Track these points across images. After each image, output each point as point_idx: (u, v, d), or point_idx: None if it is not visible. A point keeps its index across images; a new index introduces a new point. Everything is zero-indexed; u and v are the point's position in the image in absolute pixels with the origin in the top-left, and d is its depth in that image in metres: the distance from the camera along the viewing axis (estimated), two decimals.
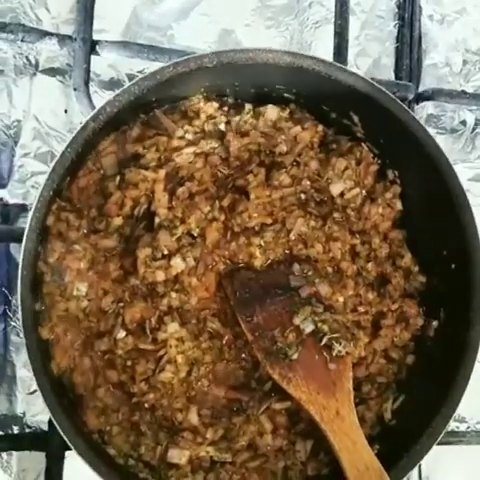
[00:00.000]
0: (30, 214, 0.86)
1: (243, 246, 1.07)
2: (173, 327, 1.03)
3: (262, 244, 1.08)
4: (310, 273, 1.08)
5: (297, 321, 1.04)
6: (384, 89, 0.99)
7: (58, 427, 0.84)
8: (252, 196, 1.07)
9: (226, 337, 1.08)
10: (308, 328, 1.04)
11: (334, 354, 1.03)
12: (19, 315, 1.15)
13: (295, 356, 1.03)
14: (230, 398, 1.07)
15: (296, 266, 1.08)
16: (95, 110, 0.89)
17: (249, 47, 0.95)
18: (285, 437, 1.07)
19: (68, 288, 1.00)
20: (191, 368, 1.05)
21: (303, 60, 0.97)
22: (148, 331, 1.03)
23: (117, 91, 0.91)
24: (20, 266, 0.84)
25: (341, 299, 1.11)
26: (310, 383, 1.01)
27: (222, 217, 1.06)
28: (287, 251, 1.10)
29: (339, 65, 0.99)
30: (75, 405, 0.99)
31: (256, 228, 1.08)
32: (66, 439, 0.85)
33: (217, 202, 1.06)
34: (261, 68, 0.99)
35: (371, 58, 1.38)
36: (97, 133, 0.90)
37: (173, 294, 1.05)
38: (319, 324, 1.04)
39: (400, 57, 1.37)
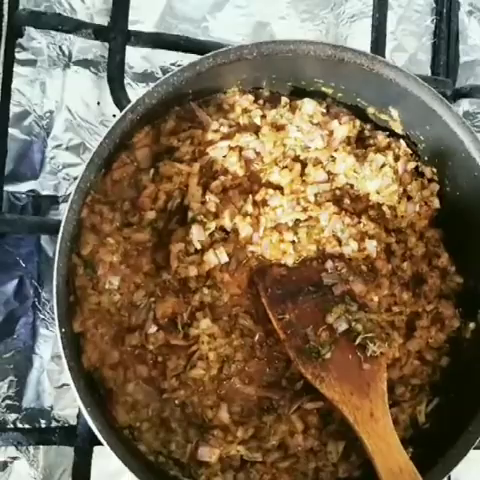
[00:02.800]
0: (67, 205, 0.85)
1: (276, 242, 1.05)
2: (205, 323, 1.02)
3: (295, 240, 1.06)
4: (344, 270, 1.06)
5: (330, 319, 1.02)
6: (426, 84, 0.97)
7: (90, 421, 0.83)
8: (286, 191, 1.05)
9: (257, 335, 1.06)
10: (341, 327, 1.02)
11: (368, 354, 1.00)
12: (48, 308, 1.16)
13: (328, 355, 1.01)
14: (261, 396, 1.06)
15: (329, 263, 1.06)
16: (133, 101, 0.87)
17: (290, 39, 0.93)
18: (316, 437, 1.05)
19: (100, 281, 0.99)
20: (222, 365, 1.04)
21: (344, 53, 0.95)
22: (180, 326, 1.02)
23: (156, 82, 0.89)
24: (56, 258, 0.83)
25: (376, 298, 1.08)
26: (343, 383, 0.99)
27: (255, 212, 1.04)
28: (320, 248, 1.07)
29: (381, 58, 0.97)
30: (105, 400, 0.98)
31: (289, 224, 1.05)
32: (98, 434, 0.83)
33: (250, 196, 1.04)
34: (300, 60, 0.97)
35: (407, 53, 1.36)
36: (135, 124, 0.88)
37: (205, 290, 1.03)
38: (353, 323, 1.02)
39: (437, 53, 1.35)
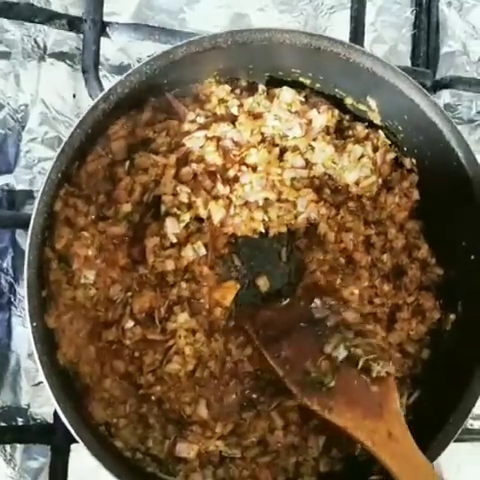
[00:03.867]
0: (38, 197, 0.83)
1: (246, 220, 1.05)
2: (183, 317, 1.00)
3: (265, 219, 1.05)
4: (333, 303, 1.05)
5: (328, 349, 1.00)
6: (404, 73, 0.96)
7: (64, 419, 0.81)
8: (260, 169, 1.04)
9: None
10: (341, 355, 0.99)
11: (374, 376, 0.97)
12: (25, 304, 1.14)
13: (332, 384, 0.97)
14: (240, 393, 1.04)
15: (317, 301, 1.05)
16: (105, 90, 0.86)
17: (265, 27, 0.92)
18: (297, 433, 1.04)
19: (75, 276, 0.97)
20: (199, 361, 1.02)
21: (321, 41, 0.94)
22: (157, 321, 1.00)
23: (128, 71, 0.87)
24: (27, 251, 0.81)
25: (356, 291, 1.08)
26: (354, 409, 0.95)
27: (226, 191, 1.03)
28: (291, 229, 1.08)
29: (358, 47, 0.96)
30: (81, 396, 0.97)
31: (260, 202, 1.05)
32: (72, 431, 0.82)
33: (218, 176, 1.03)
34: (277, 49, 0.96)
35: (387, 45, 1.35)
36: (107, 115, 0.87)
37: (183, 284, 1.02)
38: (352, 349, 0.99)
39: (417, 44, 1.34)
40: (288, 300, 1.07)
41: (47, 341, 0.86)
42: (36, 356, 0.80)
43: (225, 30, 1.17)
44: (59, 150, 0.84)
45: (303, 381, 0.98)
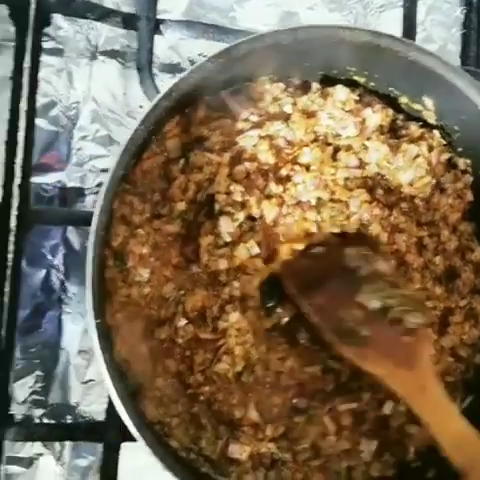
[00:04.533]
0: (100, 194, 0.83)
1: (299, 220, 1.03)
2: (234, 317, 1.00)
3: (319, 220, 1.04)
4: (366, 252, 1.03)
5: (361, 299, 0.98)
6: (465, 72, 0.94)
7: (124, 416, 0.81)
8: (313, 168, 1.03)
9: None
10: (374, 304, 0.97)
11: (407, 327, 0.96)
12: (74, 302, 1.15)
13: (366, 333, 0.96)
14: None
15: (350, 250, 1.03)
16: (168, 87, 0.86)
17: (327, 24, 0.91)
18: (349, 438, 1.02)
19: (130, 274, 0.97)
20: (247, 364, 1.01)
21: (381, 39, 0.93)
22: (209, 320, 1.00)
23: (191, 67, 0.87)
24: (89, 248, 0.81)
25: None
26: (387, 358, 0.95)
27: (279, 190, 1.02)
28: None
29: (418, 45, 0.95)
30: (134, 395, 0.96)
31: (312, 202, 1.04)
32: (132, 428, 0.82)
33: (271, 175, 1.02)
34: (335, 47, 0.95)
35: (437, 44, 1.34)
36: (168, 112, 0.86)
37: (235, 283, 1.01)
38: (386, 300, 0.98)
39: (467, 44, 1.33)
40: (322, 248, 1.05)
41: (107, 338, 0.85)
42: (98, 353, 0.80)
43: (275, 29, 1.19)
44: (123, 146, 0.84)
45: (338, 329, 0.98)
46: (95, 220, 0.81)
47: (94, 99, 1.18)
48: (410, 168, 1.06)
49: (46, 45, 1.16)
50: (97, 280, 0.85)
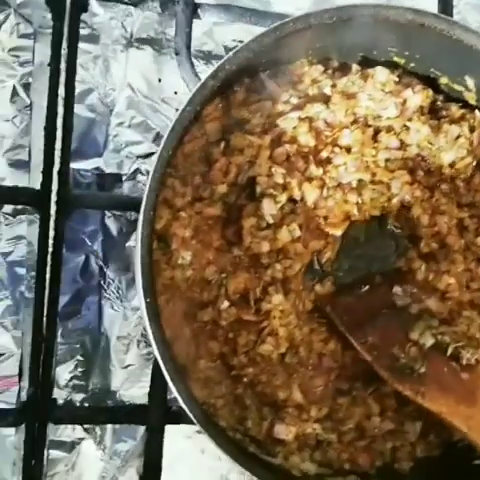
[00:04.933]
0: (150, 174, 0.83)
1: (340, 202, 1.03)
2: (277, 299, 1.00)
3: (359, 201, 1.03)
4: (414, 291, 1.03)
5: (415, 336, 0.98)
6: None
7: (177, 394, 0.81)
8: (353, 150, 1.03)
9: None
10: (428, 342, 0.97)
11: (464, 363, 0.96)
12: (113, 287, 1.15)
13: (423, 370, 0.96)
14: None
15: (398, 289, 1.03)
16: (214, 67, 0.85)
17: (370, 3, 0.90)
18: (393, 419, 1.02)
19: (173, 256, 0.97)
20: (290, 345, 1.01)
21: (425, 17, 0.92)
22: (252, 302, 1.00)
23: (237, 48, 0.87)
24: (139, 228, 0.81)
25: (452, 280, 1.05)
26: (447, 395, 0.94)
27: (320, 172, 1.02)
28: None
29: (463, 24, 0.94)
30: (179, 376, 0.96)
31: (353, 184, 1.03)
32: (185, 407, 0.82)
33: (311, 157, 1.02)
34: (377, 27, 0.94)
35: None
36: (214, 93, 0.86)
37: (278, 266, 1.01)
38: (439, 336, 0.98)
39: None
40: (367, 287, 1.05)
41: (157, 318, 0.85)
42: (149, 332, 0.80)
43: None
44: (170, 127, 0.84)
45: (393, 366, 0.97)
46: (145, 200, 0.81)
47: (130, 86, 1.19)
48: (451, 149, 1.05)
49: (83, 32, 1.16)
50: (147, 261, 0.85)
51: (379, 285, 1.05)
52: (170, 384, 0.81)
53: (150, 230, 0.83)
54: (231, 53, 0.86)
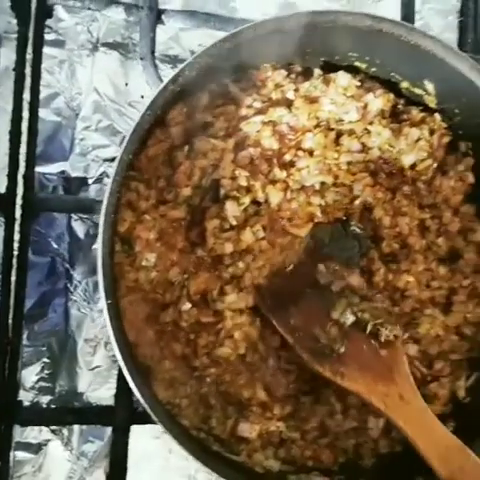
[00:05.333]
0: (111, 178, 0.84)
1: (303, 204, 1.05)
2: (231, 298, 1.01)
3: (323, 204, 1.05)
4: (337, 267, 1.05)
5: (336, 315, 1.00)
6: (465, 55, 0.96)
7: (138, 394, 0.82)
8: (316, 153, 1.05)
9: None
10: (349, 320, 0.99)
11: (382, 340, 0.98)
12: (79, 290, 1.16)
13: (342, 349, 0.98)
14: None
15: (321, 266, 1.05)
16: (175, 72, 0.87)
17: (329, 9, 0.92)
18: (356, 417, 1.03)
19: (137, 258, 0.98)
20: (249, 345, 1.02)
21: (383, 23, 0.95)
22: (210, 302, 1.01)
23: (197, 53, 0.88)
24: (100, 231, 0.82)
25: (411, 278, 1.07)
26: (365, 374, 0.96)
27: (283, 175, 1.04)
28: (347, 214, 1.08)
29: (420, 29, 0.96)
30: (143, 377, 0.97)
31: (316, 186, 1.05)
32: (146, 407, 0.83)
33: (275, 160, 1.04)
34: (338, 33, 0.97)
35: (434, 32, 1.34)
36: (174, 98, 0.88)
37: (240, 264, 1.02)
38: (359, 314, 1.00)
39: (464, 31, 1.34)
40: (292, 266, 1.06)
41: (119, 319, 0.86)
42: (110, 332, 0.81)
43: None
44: (130, 131, 0.85)
45: (314, 348, 0.99)
46: (105, 203, 0.82)
47: (96, 90, 1.20)
48: (412, 151, 1.07)
49: (48, 37, 1.17)
50: (108, 263, 0.86)
51: (303, 263, 1.06)
52: (131, 384, 0.82)
53: (111, 233, 0.84)
54: (191, 58, 0.88)
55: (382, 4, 1.34)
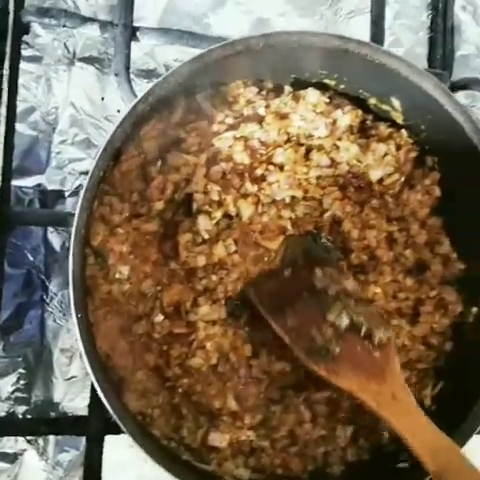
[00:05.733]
0: (81, 194, 0.87)
1: (274, 218, 1.08)
2: (204, 309, 1.03)
3: (293, 217, 1.08)
4: (333, 272, 1.08)
5: (331, 317, 1.02)
6: (429, 74, 0.99)
7: (108, 405, 0.84)
8: (286, 167, 1.07)
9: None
10: (344, 322, 1.02)
11: (376, 342, 1.01)
12: (55, 301, 1.18)
13: (337, 350, 1.00)
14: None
15: (318, 271, 1.07)
16: (145, 91, 0.89)
17: (295, 30, 0.95)
18: (324, 425, 1.06)
19: (111, 271, 1.00)
20: (220, 355, 1.05)
21: (349, 44, 0.97)
22: (183, 314, 1.03)
23: (166, 73, 0.91)
24: (71, 246, 0.84)
25: (378, 290, 1.10)
26: (359, 373, 0.99)
27: (255, 189, 1.07)
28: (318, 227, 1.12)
29: (384, 49, 0.99)
30: (116, 388, 0.99)
31: (287, 200, 1.08)
32: (115, 417, 0.85)
33: (246, 174, 1.06)
34: (305, 52, 0.99)
35: (404, 48, 1.39)
36: (145, 115, 0.90)
37: (213, 277, 1.05)
38: (354, 317, 1.02)
39: (433, 47, 1.37)
40: (290, 270, 1.09)
41: (89, 332, 0.88)
42: (80, 345, 0.83)
43: (249, 34, 1.23)
44: (101, 148, 0.87)
45: (310, 348, 1.01)
46: (76, 218, 0.84)
47: (73, 104, 1.22)
48: (379, 166, 1.10)
49: (25, 53, 1.20)
50: (79, 277, 0.88)
51: (301, 268, 1.09)
52: (101, 395, 0.84)
53: (81, 248, 0.86)
54: (161, 78, 0.90)
55: (355, 20, 1.37)
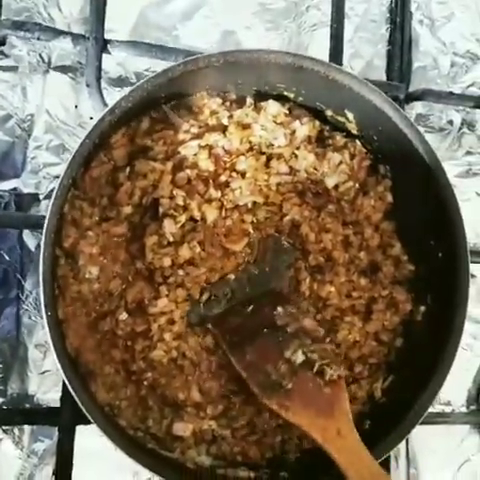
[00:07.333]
0: (51, 200, 0.93)
1: (237, 222, 1.15)
2: (162, 302, 1.10)
3: (254, 221, 1.16)
4: (294, 311, 1.14)
5: (288, 354, 1.09)
6: (377, 89, 1.07)
7: (76, 398, 0.91)
8: (248, 175, 1.15)
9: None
10: (299, 359, 1.08)
11: (327, 379, 1.07)
12: (31, 299, 1.23)
13: (290, 385, 1.06)
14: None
15: (279, 309, 1.14)
16: (111, 104, 0.96)
17: (253, 48, 1.02)
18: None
19: (81, 271, 1.06)
20: (179, 350, 1.11)
21: (303, 61, 1.04)
22: (146, 308, 1.10)
23: (131, 87, 0.97)
24: (42, 248, 0.90)
25: (332, 289, 1.17)
26: (308, 408, 1.05)
27: (219, 194, 1.14)
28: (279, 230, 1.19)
29: (336, 66, 1.06)
30: (85, 381, 1.05)
31: (249, 205, 1.15)
32: (83, 409, 0.91)
33: (211, 181, 1.13)
34: (264, 67, 1.06)
35: (364, 60, 1.45)
36: (112, 126, 0.97)
37: (180, 272, 1.11)
38: (309, 354, 1.08)
39: (392, 59, 1.44)
40: (252, 307, 1.16)
41: (58, 329, 0.95)
42: (50, 342, 0.90)
43: (215, 46, 1.30)
44: (70, 158, 0.94)
45: (264, 382, 1.07)
46: (47, 223, 0.91)
47: (47, 111, 1.27)
48: (334, 174, 1.18)
49: (1, 62, 1.25)
50: (50, 277, 0.95)
51: (263, 306, 1.16)
52: (69, 387, 0.90)
53: (51, 250, 0.93)
54: (127, 92, 0.97)
55: (317, 33, 1.43)
